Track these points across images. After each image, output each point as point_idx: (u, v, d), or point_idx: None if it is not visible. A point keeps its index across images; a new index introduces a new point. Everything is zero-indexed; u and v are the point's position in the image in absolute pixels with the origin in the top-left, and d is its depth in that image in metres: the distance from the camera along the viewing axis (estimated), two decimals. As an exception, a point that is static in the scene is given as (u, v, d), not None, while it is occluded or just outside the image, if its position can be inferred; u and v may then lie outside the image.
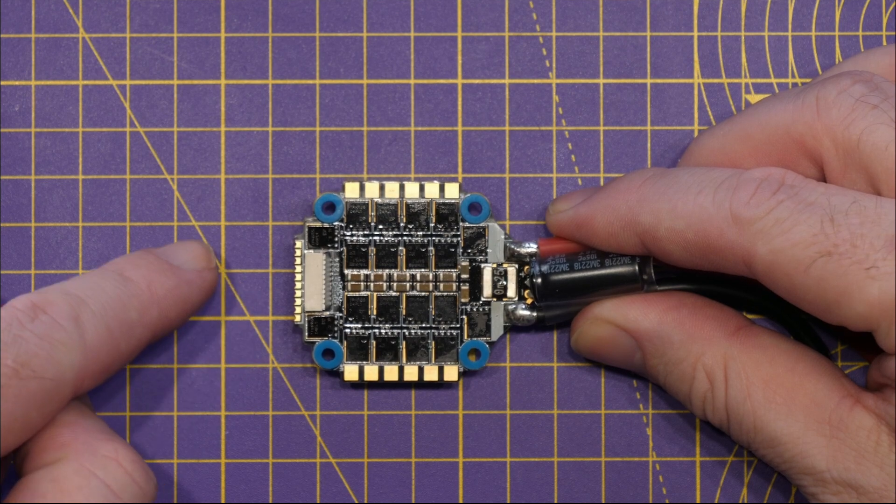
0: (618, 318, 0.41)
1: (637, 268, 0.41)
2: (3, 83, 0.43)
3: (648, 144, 0.44)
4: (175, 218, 0.43)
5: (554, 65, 0.44)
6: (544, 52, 0.44)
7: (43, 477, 0.37)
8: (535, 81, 0.44)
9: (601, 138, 0.44)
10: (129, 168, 0.44)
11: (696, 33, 0.44)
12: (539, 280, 0.42)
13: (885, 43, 0.44)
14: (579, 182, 0.44)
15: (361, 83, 0.44)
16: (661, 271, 0.41)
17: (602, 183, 0.44)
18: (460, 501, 0.43)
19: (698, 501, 0.43)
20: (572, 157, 0.44)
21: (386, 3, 0.44)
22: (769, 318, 0.43)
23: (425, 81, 0.44)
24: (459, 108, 0.44)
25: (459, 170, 0.44)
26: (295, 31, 0.44)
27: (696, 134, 0.44)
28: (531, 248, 0.42)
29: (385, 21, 0.44)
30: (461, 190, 0.43)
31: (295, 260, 0.42)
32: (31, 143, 0.43)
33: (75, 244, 0.43)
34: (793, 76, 0.44)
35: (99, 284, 0.40)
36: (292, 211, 0.43)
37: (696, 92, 0.44)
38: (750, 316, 0.43)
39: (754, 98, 0.44)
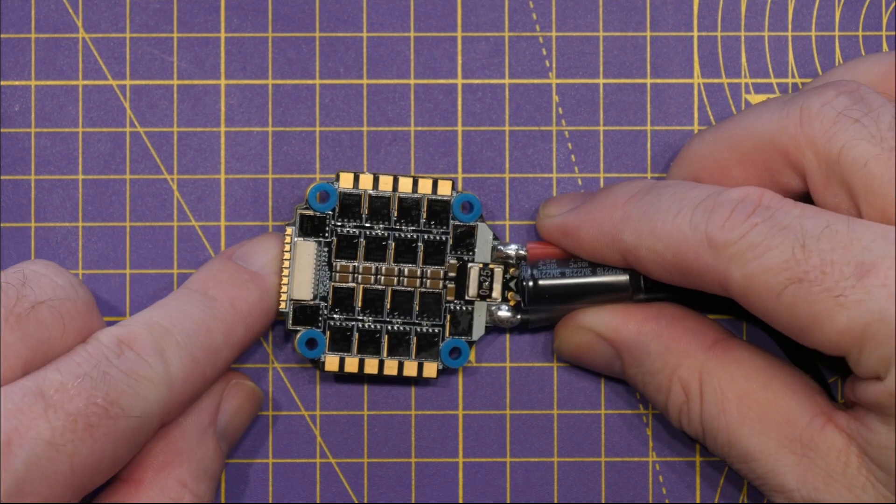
0: (598, 326, 0.41)
1: (628, 278, 0.41)
2: (3, 83, 0.43)
3: (648, 144, 0.44)
4: (175, 218, 0.43)
5: (554, 65, 0.44)
6: (544, 52, 0.44)
7: None
8: (535, 81, 0.44)
9: (601, 138, 0.44)
10: (129, 168, 0.44)
11: (696, 33, 0.44)
12: (530, 283, 0.42)
13: (884, 43, 0.44)
14: (579, 182, 0.44)
15: (361, 83, 0.44)
16: (651, 282, 0.41)
17: (602, 183, 0.44)
18: (460, 501, 0.43)
19: (698, 501, 0.43)
20: (572, 157, 0.44)
21: (386, 3, 0.44)
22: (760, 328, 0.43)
23: (425, 81, 0.44)
24: (459, 108, 0.44)
25: (459, 170, 0.44)
26: (295, 31, 0.44)
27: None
28: (518, 250, 0.42)
29: (385, 21, 0.44)
30: (454, 188, 0.43)
31: (284, 247, 0.42)
32: (31, 143, 0.43)
33: (75, 244, 0.43)
34: (793, 76, 0.44)
35: (183, 310, 0.40)
36: (292, 211, 0.43)
37: (696, 92, 0.44)
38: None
39: (754, 98, 0.44)
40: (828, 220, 0.37)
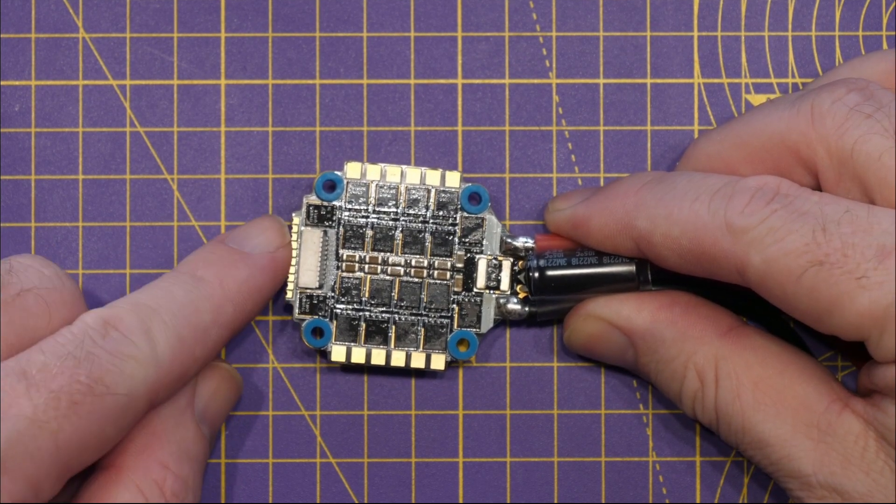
0: (610, 315, 0.41)
1: (635, 267, 0.41)
2: (3, 83, 0.44)
3: (648, 144, 0.44)
4: (175, 218, 0.44)
5: (554, 65, 0.44)
6: (544, 52, 0.44)
7: (93, 494, 0.38)
8: (535, 81, 0.44)
9: (601, 138, 0.44)
10: (129, 168, 0.44)
11: (696, 33, 0.44)
12: (536, 274, 0.42)
13: (884, 43, 0.44)
14: (579, 182, 0.44)
15: (361, 83, 0.44)
16: (657, 271, 0.41)
17: (602, 183, 0.44)
18: (460, 501, 0.43)
19: (698, 501, 0.43)
20: (572, 157, 0.44)
21: (386, 3, 0.44)
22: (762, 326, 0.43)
23: (425, 81, 0.44)
24: (459, 108, 0.44)
25: (459, 170, 0.44)
26: (295, 31, 0.44)
27: (696, 134, 0.44)
28: (527, 242, 0.42)
29: (385, 21, 0.44)
30: (462, 179, 0.43)
31: (291, 236, 0.42)
32: (31, 143, 0.43)
33: (75, 244, 0.43)
34: (793, 76, 0.44)
35: (170, 291, 0.39)
36: (292, 211, 0.43)
37: (696, 92, 0.44)
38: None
39: (754, 98, 0.44)
40: (847, 205, 0.37)
